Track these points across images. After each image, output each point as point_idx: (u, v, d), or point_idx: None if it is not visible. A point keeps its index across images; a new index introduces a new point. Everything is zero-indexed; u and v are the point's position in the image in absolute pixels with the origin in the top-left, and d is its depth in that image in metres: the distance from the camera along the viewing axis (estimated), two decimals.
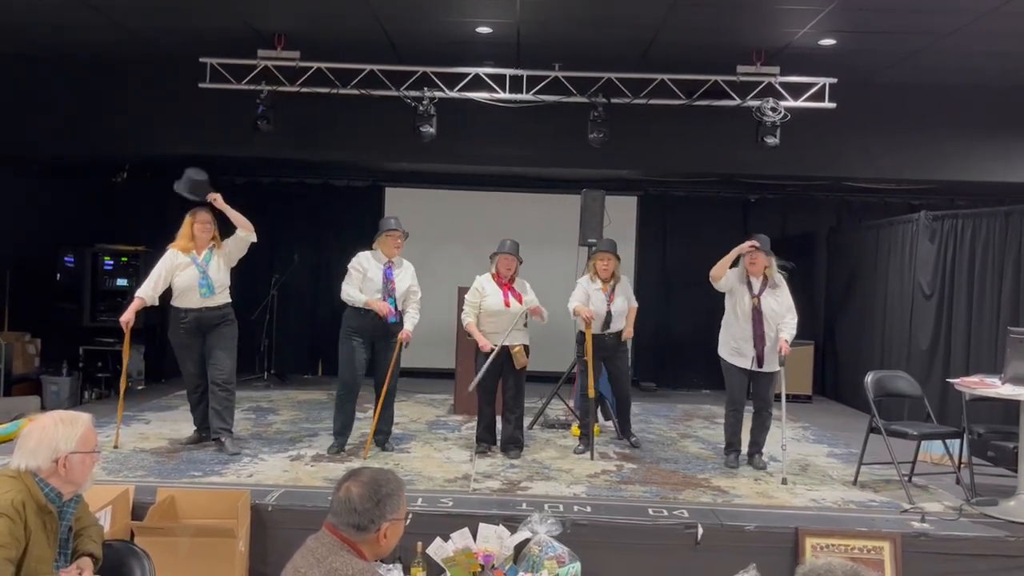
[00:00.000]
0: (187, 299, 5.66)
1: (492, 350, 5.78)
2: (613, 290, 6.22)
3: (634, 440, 6.47)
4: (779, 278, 5.88)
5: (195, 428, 6.01)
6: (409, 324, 5.87)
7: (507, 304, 5.89)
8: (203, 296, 5.62)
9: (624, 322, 6.29)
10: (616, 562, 4.44)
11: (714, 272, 5.85)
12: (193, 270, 5.63)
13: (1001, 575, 4.45)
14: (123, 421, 6.04)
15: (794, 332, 5.79)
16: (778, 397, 5.79)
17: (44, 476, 2.72)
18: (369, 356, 5.89)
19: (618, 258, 6.30)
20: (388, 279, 5.84)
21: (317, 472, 5.35)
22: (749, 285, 5.81)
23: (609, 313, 6.18)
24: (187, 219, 5.74)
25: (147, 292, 5.67)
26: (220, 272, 5.74)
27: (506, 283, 5.95)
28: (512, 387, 6.01)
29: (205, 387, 5.84)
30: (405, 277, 5.94)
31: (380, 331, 5.83)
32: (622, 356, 6.43)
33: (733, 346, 5.88)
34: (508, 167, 8.84)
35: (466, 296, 6.07)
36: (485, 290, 5.93)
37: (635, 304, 6.43)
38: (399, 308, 5.86)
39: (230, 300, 5.84)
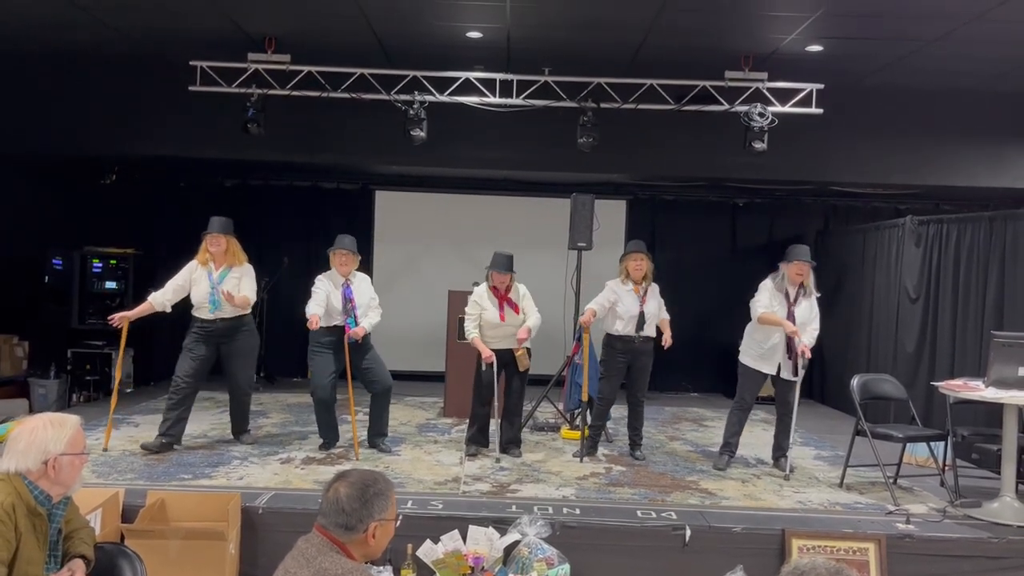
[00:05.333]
0: (200, 311, 5.89)
1: (493, 362, 5.88)
2: (646, 292, 6.08)
3: (638, 455, 6.17)
4: (813, 287, 5.90)
5: (159, 433, 5.83)
6: (365, 323, 5.94)
7: (502, 319, 5.95)
8: (211, 311, 5.84)
9: (655, 327, 6.13)
10: (605, 564, 4.46)
11: (763, 322, 5.82)
12: (206, 286, 5.83)
13: None
14: (112, 425, 6.03)
15: (813, 341, 5.84)
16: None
17: (33, 478, 2.72)
18: (341, 367, 5.92)
19: (650, 259, 6.18)
20: (347, 298, 5.93)
21: (307, 475, 5.36)
22: (787, 294, 5.85)
23: (642, 314, 6.01)
24: (203, 237, 5.95)
25: (158, 297, 5.86)
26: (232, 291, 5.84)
27: (502, 295, 5.99)
28: (516, 389, 6.07)
29: (188, 394, 5.89)
30: (363, 290, 6.04)
31: (352, 342, 5.88)
32: (646, 363, 6.17)
33: (759, 352, 5.90)
34: (498, 171, 8.87)
35: (466, 309, 6.12)
36: (483, 303, 5.98)
37: (666, 315, 6.23)
38: (359, 322, 5.92)
39: (246, 312, 6.00)
